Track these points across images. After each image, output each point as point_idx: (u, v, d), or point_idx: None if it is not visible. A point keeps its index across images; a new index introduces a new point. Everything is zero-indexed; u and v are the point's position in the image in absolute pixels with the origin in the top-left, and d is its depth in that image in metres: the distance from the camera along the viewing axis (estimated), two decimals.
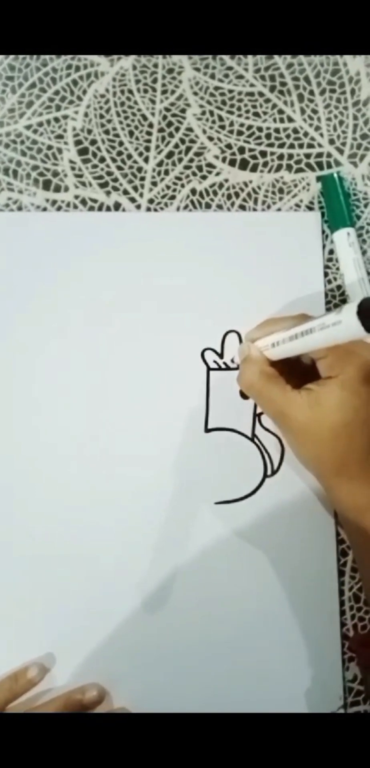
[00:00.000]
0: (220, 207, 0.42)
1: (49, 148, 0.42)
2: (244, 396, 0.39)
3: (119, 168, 0.42)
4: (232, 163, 0.42)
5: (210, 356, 0.39)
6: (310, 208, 0.42)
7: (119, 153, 0.42)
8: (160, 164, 0.42)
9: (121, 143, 0.42)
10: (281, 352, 0.34)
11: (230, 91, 0.43)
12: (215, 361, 0.39)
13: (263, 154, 0.42)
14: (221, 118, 0.43)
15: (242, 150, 0.42)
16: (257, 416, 0.39)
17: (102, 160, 0.42)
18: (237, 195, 0.42)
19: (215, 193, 0.42)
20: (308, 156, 0.42)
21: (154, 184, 0.42)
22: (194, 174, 0.42)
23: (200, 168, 0.42)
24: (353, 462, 0.31)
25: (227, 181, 0.42)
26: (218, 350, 0.39)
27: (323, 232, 0.41)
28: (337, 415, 0.31)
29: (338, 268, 0.41)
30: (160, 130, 0.42)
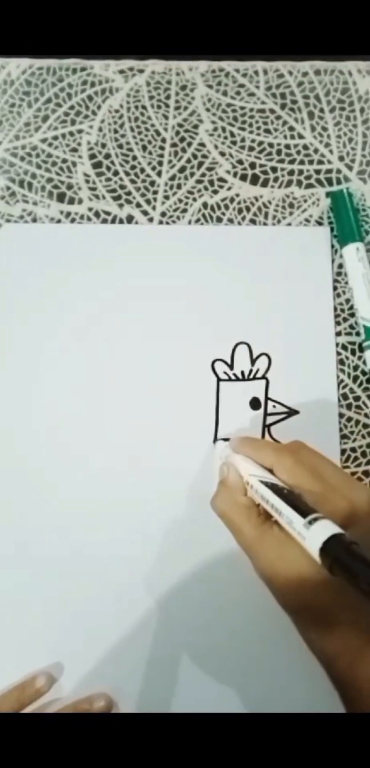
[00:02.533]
0: (231, 221, 0.42)
1: (64, 161, 0.43)
2: (254, 407, 0.39)
3: (132, 182, 0.43)
4: (243, 178, 0.43)
5: (220, 367, 0.40)
6: (319, 223, 0.42)
7: (133, 167, 0.43)
8: (172, 178, 0.43)
9: (134, 157, 0.43)
10: (252, 494, 0.32)
11: (242, 108, 0.44)
12: (225, 372, 0.40)
13: (274, 169, 0.43)
14: (232, 134, 0.43)
15: (253, 165, 0.43)
16: (266, 427, 0.39)
17: (115, 173, 0.43)
18: (248, 209, 0.43)
19: (226, 208, 0.42)
20: (317, 172, 0.43)
21: (167, 197, 0.43)
22: (206, 188, 0.43)
23: (211, 182, 0.43)
24: (318, 608, 0.30)
25: (238, 195, 0.43)
26: (228, 361, 0.40)
27: (333, 246, 0.42)
28: (305, 559, 0.28)
29: (346, 283, 0.41)
30: (173, 145, 0.43)
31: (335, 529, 0.26)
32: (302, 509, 0.28)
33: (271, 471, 0.33)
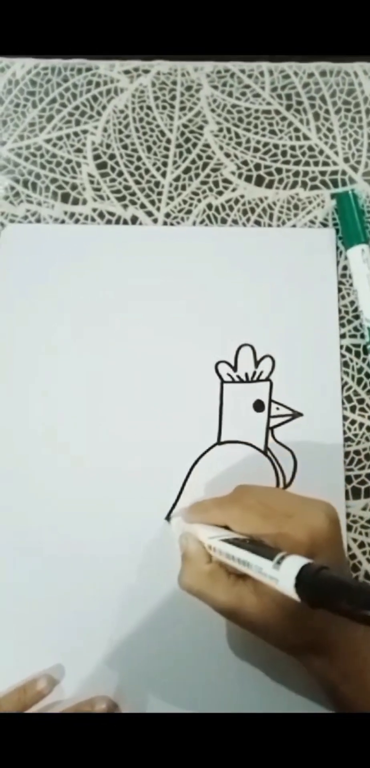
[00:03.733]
0: (235, 222, 0.42)
1: (68, 161, 0.43)
2: (257, 409, 0.39)
3: (137, 182, 0.43)
4: (248, 179, 0.43)
5: (224, 369, 0.40)
6: (324, 225, 0.42)
7: (137, 168, 0.43)
8: (177, 179, 0.43)
9: (139, 158, 0.43)
10: (218, 556, 0.31)
11: (247, 109, 0.44)
12: (228, 374, 0.39)
13: (279, 171, 0.43)
14: (237, 135, 0.43)
15: (257, 167, 0.43)
16: (270, 429, 0.39)
17: (120, 174, 0.43)
18: (253, 210, 0.42)
19: (231, 209, 0.42)
20: (323, 173, 0.43)
21: (171, 198, 0.42)
22: (211, 189, 0.43)
23: (216, 183, 0.43)
24: (315, 640, 0.29)
25: (242, 196, 0.43)
26: (232, 363, 0.40)
27: (337, 248, 0.42)
28: (287, 600, 0.26)
29: (351, 285, 0.41)
30: (178, 145, 0.43)
31: (304, 560, 0.26)
32: (267, 553, 0.28)
33: (226, 527, 0.32)
